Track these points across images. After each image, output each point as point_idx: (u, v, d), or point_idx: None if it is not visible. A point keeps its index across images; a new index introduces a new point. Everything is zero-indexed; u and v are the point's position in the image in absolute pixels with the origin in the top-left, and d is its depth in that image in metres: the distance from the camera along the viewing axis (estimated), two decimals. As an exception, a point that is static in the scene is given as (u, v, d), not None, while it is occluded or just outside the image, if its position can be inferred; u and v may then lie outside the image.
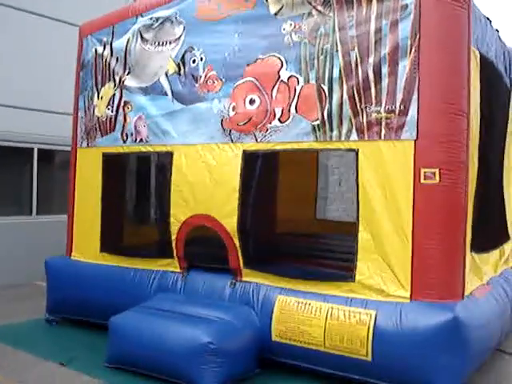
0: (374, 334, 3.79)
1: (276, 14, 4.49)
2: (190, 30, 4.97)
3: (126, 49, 5.40)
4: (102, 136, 5.58)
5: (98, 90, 5.63)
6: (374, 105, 3.98)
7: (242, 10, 4.68)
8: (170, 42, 5.11)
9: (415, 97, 3.82)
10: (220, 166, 4.69)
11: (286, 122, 4.37)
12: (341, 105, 4.12)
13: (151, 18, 5.24)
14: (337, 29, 4.17)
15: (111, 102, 5.50)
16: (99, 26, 5.73)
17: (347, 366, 3.93)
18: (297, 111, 4.32)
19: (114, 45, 5.51)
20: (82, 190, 5.72)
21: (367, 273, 3.99)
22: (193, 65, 4.94)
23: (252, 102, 4.56)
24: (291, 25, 4.40)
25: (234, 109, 4.66)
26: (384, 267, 3.93)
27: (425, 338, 3.61)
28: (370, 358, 3.80)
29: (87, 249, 5.60)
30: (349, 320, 3.91)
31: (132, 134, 5.32)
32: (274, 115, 4.43)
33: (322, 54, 4.23)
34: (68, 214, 5.89)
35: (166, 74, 5.11)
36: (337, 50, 4.16)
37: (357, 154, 4.05)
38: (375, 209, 3.97)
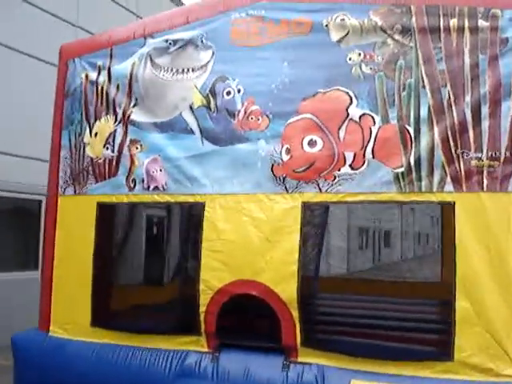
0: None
1: (339, 42, 4.18)
2: (222, 56, 4.52)
3: (131, 76, 4.81)
4: (97, 182, 4.87)
5: (89, 124, 4.95)
6: (473, 150, 3.76)
7: (293, 36, 4.32)
8: (194, 70, 4.61)
9: (525, 142, 3.66)
10: (271, 220, 4.20)
11: (360, 169, 4.01)
12: (432, 149, 3.84)
13: (166, 41, 4.72)
14: (421, 61, 3.93)
15: (111, 140, 4.84)
16: (91, 47, 5.10)
17: None
18: (373, 156, 3.99)
19: (113, 70, 4.90)
20: (66, 246, 4.93)
21: (469, 349, 3.64)
22: (227, 97, 4.47)
23: (312, 143, 4.16)
24: (360, 54, 4.10)
25: (288, 152, 4.23)
26: (490, 341, 3.62)
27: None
28: None
29: (72, 322, 4.81)
30: (459, 409, 3.54)
31: (143, 181, 4.68)
32: (344, 160, 4.06)
33: (404, 89, 3.96)
34: (43, 276, 5.04)
35: (191, 108, 4.58)
36: (423, 86, 3.91)
37: (453, 207, 3.77)
38: (477, 272, 3.68)
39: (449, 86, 3.84)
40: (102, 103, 4.91)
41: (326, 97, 4.16)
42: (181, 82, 4.63)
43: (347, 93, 4.09)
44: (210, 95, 4.53)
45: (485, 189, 3.70)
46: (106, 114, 4.89)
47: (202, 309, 4.33)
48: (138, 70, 4.80)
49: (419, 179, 3.86)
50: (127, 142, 4.77)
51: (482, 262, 3.67)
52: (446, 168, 3.80)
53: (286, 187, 4.20)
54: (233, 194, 4.35)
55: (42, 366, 4.77)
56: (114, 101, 4.86)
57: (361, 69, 4.09)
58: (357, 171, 4.02)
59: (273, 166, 4.25)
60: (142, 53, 4.81)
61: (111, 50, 4.94)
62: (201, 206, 4.43)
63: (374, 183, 3.96)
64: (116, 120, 4.84)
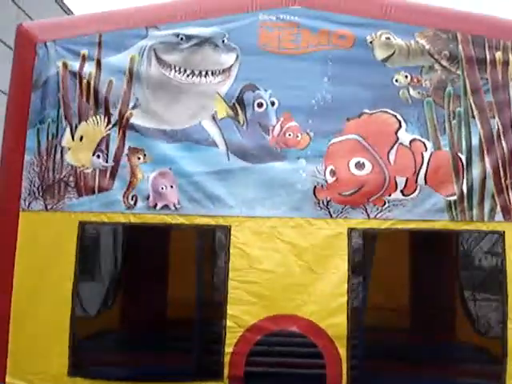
0: None
1: (385, 61, 4.20)
2: (249, 61, 4.22)
3: (131, 72, 4.23)
4: (81, 196, 4.15)
5: (71, 125, 4.22)
6: (522, 181, 4.04)
7: (334, 48, 4.23)
8: (214, 74, 4.22)
9: None
10: (314, 248, 4.01)
11: (412, 196, 4.04)
12: (484, 179, 4.04)
13: (177, 35, 4.25)
14: (469, 91, 4.13)
15: (103, 147, 4.17)
16: (70, 31, 4.37)
17: None
18: (426, 182, 4.05)
19: (104, 62, 4.25)
20: (31, 275, 4.09)
21: None
22: (259, 110, 4.18)
23: (360, 166, 4.08)
24: (407, 77, 4.17)
25: (333, 173, 4.08)
26: None
27: None
28: None
29: (40, 371, 4.00)
30: None
31: (147, 198, 4.10)
32: (396, 186, 4.05)
33: (454, 117, 4.11)
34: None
35: (214, 118, 4.17)
36: (473, 116, 4.11)
37: (503, 236, 4.00)
38: None
39: (497, 117, 4.10)
40: (88, 101, 4.23)
41: (373, 118, 4.14)
42: (199, 86, 4.20)
43: (395, 116, 4.12)
44: (237, 105, 4.18)
45: (534, 219, 4.00)
46: (95, 114, 4.21)
47: (229, 349, 3.91)
48: (139, 67, 4.24)
49: (470, 208, 4.02)
50: (125, 151, 4.16)
51: (530, 289, 3.94)
52: (496, 198, 4.02)
53: (329, 211, 4.04)
54: (265, 217, 4.05)
55: None
56: (106, 100, 4.21)
57: (409, 92, 4.15)
58: (408, 197, 4.04)
59: (315, 187, 4.06)
60: (142, 46, 4.27)
61: (100, 37, 4.28)
62: (226, 230, 4.03)
63: (427, 210, 4.03)
64: (109, 122, 4.19)
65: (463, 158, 4.08)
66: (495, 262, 5.35)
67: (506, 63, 4.15)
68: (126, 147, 4.17)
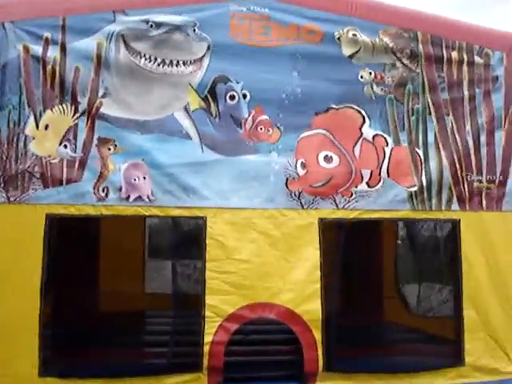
0: (506, 419, 4.15)
1: (351, 57, 4.41)
2: (220, 51, 4.26)
3: (99, 59, 4.13)
4: (47, 187, 4.02)
5: (35, 112, 4.04)
6: (475, 174, 4.44)
7: (304, 43, 4.37)
8: (185, 63, 4.22)
9: (512, 169, 4.51)
10: (288, 237, 4.19)
11: (376, 187, 4.33)
12: (441, 172, 4.40)
13: (146, 22, 4.20)
14: (427, 88, 4.46)
15: (71, 137, 4.06)
16: (30, 12, 4.16)
17: None
18: (388, 175, 4.34)
19: (69, 47, 4.11)
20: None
21: (476, 353, 4.32)
22: (231, 102, 4.24)
23: (328, 159, 4.29)
24: (371, 74, 4.42)
25: (303, 166, 4.26)
26: (492, 345, 4.35)
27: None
28: None
29: (7, 373, 3.83)
30: (476, 410, 4.15)
31: (119, 189, 4.06)
32: (361, 178, 4.31)
33: (412, 114, 4.42)
34: None
35: (186, 109, 4.19)
36: (430, 113, 4.44)
37: (458, 224, 4.39)
38: (480, 284, 4.37)
39: (451, 115, 4.47)
40: (53, 88, 4.07)
41: (340, 114, 4.36)
42: (170, 76, 4.18)
43: (360, 112, 4.36)
44: (209, 97, 4.22)
45: (484, 208, 4.43)
46: (61, 102, 4.07)
47: (208, 339, 4.02)
48: (108, 53, 4.14)
49: (429, 198, 4.38)
50: (95, 141, 4.08)
51: (483, 275, 4.38)
52: (453, 189, 4.41)
53: (301, 202, 4.23)
54: (240, 208, 4.16)
55: None
56: (73, 87, 4.08)
57: (372, 89, 4.41)
58: (373, 189, 4.32)
59: (287, 180, 4.23)
60: (109, 31, 4.17)
61: (64, 19, 4.13)
62: (201, 222, 4.11)
63: (390, 201, 4.33)
64: (76, 111, 4.08)
65: (421, 152, 4.41)
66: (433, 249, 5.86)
67: (460, 62, 4.52)
68: (96, 137, 4.08)
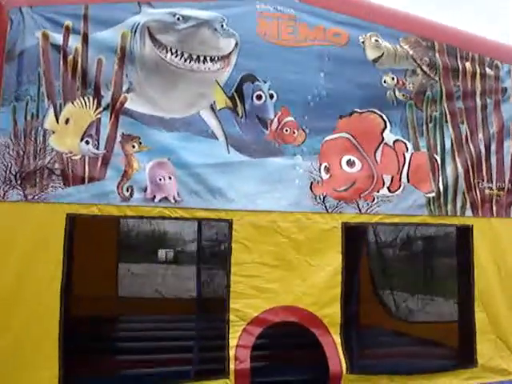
0: (514, 418, 4.35)
1: (375, 62, 4.47)
2: (248, 49, 4.20)
3: (123, 51, 3.97)
4: (68, 185, 3.81)
5: (55, 105, 3.83)
6: (485, 181, 4.62)
7: (330, 44, 4.38)
8: (212, 60, 4.14)
9: (522, 177, 4.72)
10: (311, 241, 4.19)
11: (397, 192, 4.41)
12: (456, 178, 4.54)
13: (173, 15, 4.08)
14: (444, 97, 4.59)
15: (93, 133, 3.88)
16: (49, -2, 3.94)
17: None
18: (408, 180, 4.44)
19: (92, 38, 3.93)
20: (3, 277, 3.65)
21: (488, 355, 4.50)
22: (257, 102, 4.20)
23: (351, 164, 4.33)
24: (393, 79, 4.50)
25: (327, 170, 4.27)
26: (501, 346, 4.55)
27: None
28: None
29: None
30: (488, 410, 4.32)
31: (144, 189, 3.92)
32: (383, 183, 4.38)
33: (431, 121, 4.54)
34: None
35: (213, 108, 4.10)
36: (446, 121, 4.57)
37: (471, 230, 4.55)
38: (491, 287, 4.56)
39: (465, 123, 4.63)
40: (74, 79, 3.88)
41: (362, 118, 4.41)
42: (197, 72, 4.09)
43: (381, 116, 4.43)
44: (235, 96, 4.16)
45: (494, 214, 4.61)
46: (83, 95, 3.88)
47: (233, 343, 3.97)
48: (132, 45, 4.00)
49: (446, 204, 4.52)
50: (119, 138, 3.92)
51: (494, 279, 4.57)
52: (466, 195, 4.57)
53: (325, 206, 4.25)
54: (266, 211, 4.13)
55: None
56: (96, 80, 3.90)
57: (395, 94, 4.49)
58: (394, 194, 4.40)
59: (312, 183, 4.23)
60: (134, 22, 4.02)
61: (86, 8, 3.94)
62: (228, 224, 4.04)
63: (409, 206, 4.43)
64: (99, 105, 3.90)
65: (438, 158, 4.55)
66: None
67: (473, 73, 4.69)
68: (119, 134, 3.92)
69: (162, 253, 16.55)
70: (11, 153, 3.74)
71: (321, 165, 4.28)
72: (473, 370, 4.48)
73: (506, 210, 4.69)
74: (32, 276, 3.68)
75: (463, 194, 4.59)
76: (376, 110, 4.43)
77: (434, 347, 4.93)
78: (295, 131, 4.25)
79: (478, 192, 4.62)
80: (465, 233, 4.58)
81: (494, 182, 4.68)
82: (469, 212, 4.59)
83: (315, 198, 4.24)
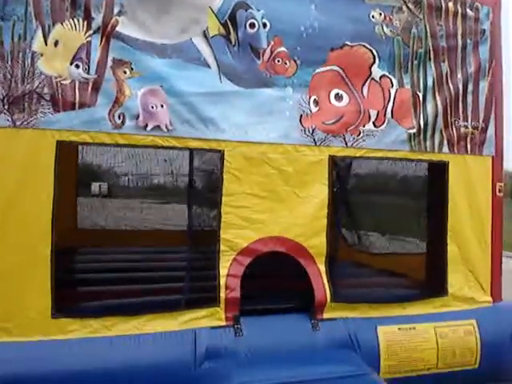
0: (481, 341, 4.69)
1: (363, -3, 4.49)
2: (241, -24, 4.13)
3: (113, -29, 3.81)
4: (58, 111, 3.70)
5: (43, 26, 3.67)
6: (462, 119, 4.80)
7: (320, -23, 4.36)
8: (206, -15, 4.04)
9: (493, 116, 4.92)
10: (299, 173, 4.27)
11: (381, 127, 4.52)
12: (436, 115, 4.70)
13: None
14: (429, 35, 4.68)
15: (83, 56, 3.75)
16: None
17: (455, 378, 4.64)
18: (392, 116, 4.55)
19: (80, -45, 3.74)
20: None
21: (457, 284, 4.80)
22: (250, 30, 4.15)
23: (339, 97, 4.39)
24: (381, 14, 4.53)
25: (316, 103, 4.32)
26: (469, 276, 4.85)
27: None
28: (477, 366, 4.68)
29: (15, 317, 3.61)
30: (457, 334, 4.64)
31: (137, 117, 3.86)
32: (369, 117, 4.47)
33: (416, 58, 4.63)
34: None
35: (205, 35, 4.02)
36: (430, 59, 4.68)
37: (447, 166, 4.75)
38: (462, 221, 4.81)
39: (447, 62, 4.76)
40: (64, 0, 3.70)
41: (353, 51, 4.44)
42: None
43: (371, 51, 4.48)
44: (229, 23, 4.09)
45: (468, 152, 4.83)
46: (73, 16, 3.73)
47: (224, 272, 4.06)
48: None
49: (425, 140, 4.68)
50: (110, 62, 3.81)
51: (465, 214, 4.82)
52: (444, 132, 4.74)
53: (314, 139, 4.32)
54: (257, 142, 4.16)
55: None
56: (86, 1, 3.74)
57: (383, 29, 4.54)
58: (378, 129, 4.52)
59: (301, 116, 4.28)
60: None
61: None
62: (219, 155, 4.05)
63: (392, 141, 4.57)
64: (90, 28, 3.76)
65: (420, 95, 4.67)
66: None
67: (455, 13, 4.78)
68: (110, 58, 3.81)
69: (95, 186, 16.42)
70: (-1, 76, 3.58)
71: (310, 97, 4.32)
72: (444, 299, 4.77)
73: (479, 148, 4.91)
74: (21, 205, 3.61)
75: (441, 131, 4.76)
76: (366, 44, 4.48)
77: (402, 278, 5.19)
78: (287, 62, 4.25)
79: (454, 130, 4.80)
80: (441, 169, 4.78)
81: (470, 121, 4.87)
82: (445, 149, 4.78)
83: (304, 131, 4.30)
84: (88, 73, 3.76)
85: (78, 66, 3.74)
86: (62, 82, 3.71)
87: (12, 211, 3.60)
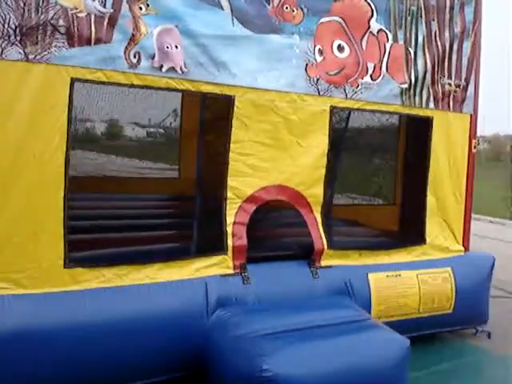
0: (455, 288, 5.05)
1: (362, -52, 4.55)
2: None
3: None
4: (72, 46, 3.51)
5: (57, -48, 3.43)
6: (446, 77, 5.05)
7: None
8: None
9: (473, 76, 5.21)
10: (303, 123, 4.35)
11: (377, 81, 4.67)
12: (425, 72, 4.91)
13: None
14: (420, -7, 4.85)
15: (99, -12, 3.55)
16: None
17: (432, 323, 4.99)
18: (387, 70, 4.70)
19: None
20: (1, 142, 3.36)
21: (433, 234, 5.12)
22: None
23: (341, 48, 4.48)
24: None
25: (320, 53, 4.37)
26: (445, 227, 5.19)
27: (484, 277, 5.23)
28: (451, 310, 5.05)
29: (27, 268, 3.44)
30: (436, 281, 4.97)
31: (152, 57, 3.74)
32: (367, 70, 4.60)
33: (409, 15, 4.79)
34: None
35: None
36: (421, 16, 4.86)
37: (431, 121, 5.00)
38: (441, 174, 5.11)
39: (436, 20, 4.96)
40: None
41: (354, 3, 4.53)
42: None
43: (370, 5, 4.59)
44: None
45: (451, 108, 5.10)
46: None
47: (230, 220, 4.10)
48: None
49: (414, 96, 4.89)
50: (126, -3, 3.64)
51: (444, 167, 5.12)
52: (430, 89, 4.97)
53: (318, 89, 4.39)
54: (265, 89, 4.17)
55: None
56: None
57: None
58: (375, 82, 4.66)
59: (307, 65, 4.32)
60: None
61: None
62: (229, 100, 4.03)
63: (386, 95, 4.74)
64: (105, -42, 3.57)
65: (412, 52, 4.86)
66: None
67: None
68: (127, -8, 3.65)
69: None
70: (9, 3, 3.33)
71: (315, 47, 4.37)
72: (423, 247, 5.08)
73: (460, 105, 5.20)
74: (33, 147, 3.42)
75: (428, 87, 4.99)
76: None
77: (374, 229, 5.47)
78: (294, 9, 4.27)
79: (439, 87, 5.05)
80: (426, 124, 5.02)
81: (453, 79, 5.14)
82: (432, 105, 5.03)
83: (309, 80, 4.36)
84: (104, 6, 3.58)
85: (93, -1, 3.55)
86: (77, 14, 3.51)
87: (23, 153, 3.40)
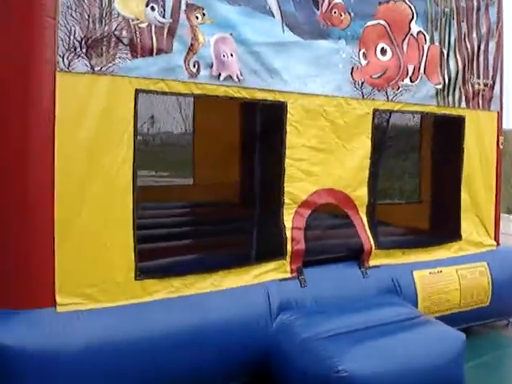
0: (492, 281, 5.15)
1: (399, -46, 4.60)
2: None
3: None
4: (136, 57, 3.48)
5: (117, -36, 3.40)
6: (475, 76, 5.15)
7: None
8: None
9: (499, 75, 5.32)
10: (348, 126, 4.41)
11: (415, 82, 4.74)
12: (457, 72, 5.00)
13: None
14: (453, -5, 4.94)
15: (159, -1, 3.53)
16: None
17: (472, 316, 5.08)
18: (424, 71, 4.77)
19: None
20: (74, 158, 3.29)
21: (468, 230, 5.22)
22: None
23: (383, 52, 4.53)
24: None
25: (365, 57, 4.42)
26: (478, 222, 5.29)
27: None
28: (488, 303, 5.15)
29: (99, 281, 3.38)
30: (473, 275, 5.07)
31: (210, 66, 3.72)
32: (407, 72, 4.66)
33: (443, 16, 4.87)
34: (23, 221, 3.23)
35: None
36: (453, 18, 4.94)
37: (464, 120, 5.09)
38: (474, 171, 5.21)
39: (465, 21, 5.05)
40: None
41: (396, 7, 4.60)
42: None
43: (410, 7, 4.64)
44: None
45: (480, 107, 5.20)
46: (147, -44, 3.48)
47: (288, 225, 4.12)
48: None
49: (448, 96, 4.98)
50: (184, 7, 3.62)
51: (477, 165, 5.23)
52: (462, 88, 5.06)
53: (362, 93, 4.43)
54: (315, 94, 4.20)
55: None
56: None
57: None
58: (413, 84, 4.73)
59: (352, 69, 4.36)
60: None
61: None
62: (282, 107, 4.05)
63: (424, 96, 4.82)
64: (164, -30, 3.54)
65: (445, 52, 4.94)
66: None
67: None
68: (184, 2, 3.63)
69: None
70: (74, 14, 3.28)
71: (360, 50, 4.42)
72: (459, 243, 5.18)
73: (488, 103, 5.31)
74: (102, 160, 3.37)
75: (460, 87, 5.08)
76: (406, 0, 4.63)
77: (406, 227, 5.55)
78: (342, 14, 4.30)
79: (470, 86, 5.15)
80: (459, 123, 5.11)
81: (481, 78, 5.24)
82: (463, 104, 5.12)
83: (354, 84, 4.40)
84: (163, 17, 3.56)
85: (153, 9, 3.52)
86: (139, 25, 3.48)
87: (93, 165, 3.35)
